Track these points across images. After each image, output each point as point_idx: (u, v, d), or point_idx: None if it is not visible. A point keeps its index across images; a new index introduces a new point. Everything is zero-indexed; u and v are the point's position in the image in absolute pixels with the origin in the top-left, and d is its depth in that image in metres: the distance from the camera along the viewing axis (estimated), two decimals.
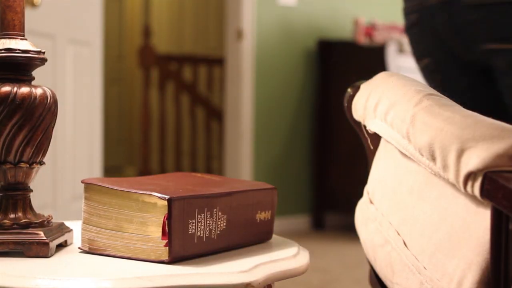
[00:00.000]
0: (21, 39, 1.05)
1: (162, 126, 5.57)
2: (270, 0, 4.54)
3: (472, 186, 0.90)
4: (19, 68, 1.05)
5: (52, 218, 1.07)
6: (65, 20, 3.39)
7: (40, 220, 1.05)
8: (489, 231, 0.89)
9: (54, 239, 1.03)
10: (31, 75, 1.06)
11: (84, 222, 1.04)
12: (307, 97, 4.69)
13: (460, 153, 0.92)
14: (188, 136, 5.72)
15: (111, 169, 6.35)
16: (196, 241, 1.01)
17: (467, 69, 1.89)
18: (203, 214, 1.02)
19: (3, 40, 1.04)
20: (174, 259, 0.98)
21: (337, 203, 4.64)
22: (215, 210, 1.04)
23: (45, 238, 1.01)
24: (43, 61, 1.06)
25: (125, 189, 1.01)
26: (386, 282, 1.19)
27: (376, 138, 1.32)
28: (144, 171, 5.42)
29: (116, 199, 1.01)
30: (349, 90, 1.36)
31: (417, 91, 1.11)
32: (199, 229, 1.01)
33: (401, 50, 4.32)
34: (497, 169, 0.87)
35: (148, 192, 0.99)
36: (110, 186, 1.02)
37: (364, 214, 1.31)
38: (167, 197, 0.98)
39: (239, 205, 1.09)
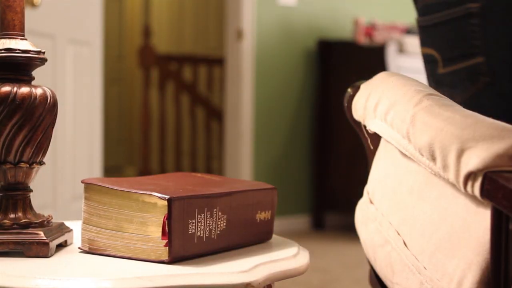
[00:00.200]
0: (21, 39, 1.05)
1: (162, 126, 5.56)
2: (270, 0, 4.54)
3: (472, 186, 0.90)
4: (19, 68, 1.05)
5: (52, 218, 1.07)
6: (65, 20, 3.39)
7: (40, 220, 1.05)
8: (489, 231, 0.89)
9: (54, 239, 1.03)
10: (31, 75, 1.06)
11: (84, 222, 1.04)
12: (307, 97, 4.69)
13: (460, 153, 0.92)
14: (188, 136, 5.71)
15: (111, 169, 6.35)
16: (196, 241, 1.01)
17: None
18: (203, 214, 1.02)
19: (3, 40, 1.04)
20: (174, 259, 0.98)
21: (337, 203, 4.64)
22: (215, 210, 1.04)
23: (45, 238, 1.01)
24: (43, 61, 1.06)
25: (125, 189, 1.01)
26: (386, 282, 1.19)
27: (376, 138, 1.32)
28: (144, 171, 5.42)
29: (116, 199, 1.01)
30: (349, 90, 1.36)
31: (417, 91, 1.11)
32: (199, 229, 1.01)
33: (401, 50, 4.31)
34: (497, 169, 0.87)
35: (148, 192, 0.99)
36: (110, 186, 1.02)
37: (364, 214, 1.31)
38: (167, 197, 0.98)
39: (239, 205, 1.09)
